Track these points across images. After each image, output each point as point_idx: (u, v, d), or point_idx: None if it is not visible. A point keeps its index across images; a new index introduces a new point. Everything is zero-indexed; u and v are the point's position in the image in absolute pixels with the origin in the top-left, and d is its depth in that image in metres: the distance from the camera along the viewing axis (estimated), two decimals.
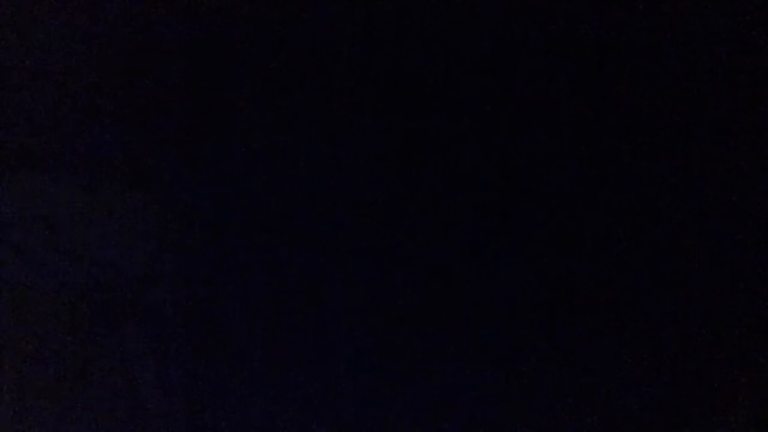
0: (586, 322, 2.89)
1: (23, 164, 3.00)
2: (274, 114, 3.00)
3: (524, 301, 2.91)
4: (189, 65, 3.02)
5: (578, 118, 2.94)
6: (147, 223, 2.98)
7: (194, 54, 3.02)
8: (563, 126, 2.94)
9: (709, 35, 2.90)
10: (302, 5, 3.01)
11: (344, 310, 2.95)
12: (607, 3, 2.93)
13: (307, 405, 2.93)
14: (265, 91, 3.01)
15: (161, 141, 3.01)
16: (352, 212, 2.96)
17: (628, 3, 2.92)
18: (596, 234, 2.91)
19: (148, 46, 3.03)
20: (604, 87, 2.93)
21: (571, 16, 2.94)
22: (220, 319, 2.96)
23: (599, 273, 2.90)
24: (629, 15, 2.93)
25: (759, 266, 2.85)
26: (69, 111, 3.03)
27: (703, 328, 2.86)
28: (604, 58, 2.94)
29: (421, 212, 2.96)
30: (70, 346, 2.96)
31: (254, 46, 3.01)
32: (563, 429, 2.87)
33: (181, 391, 2.94)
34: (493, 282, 2.92)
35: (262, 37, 3.02)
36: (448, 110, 2.97)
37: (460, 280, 2.93)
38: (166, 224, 2.99)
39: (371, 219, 2.96)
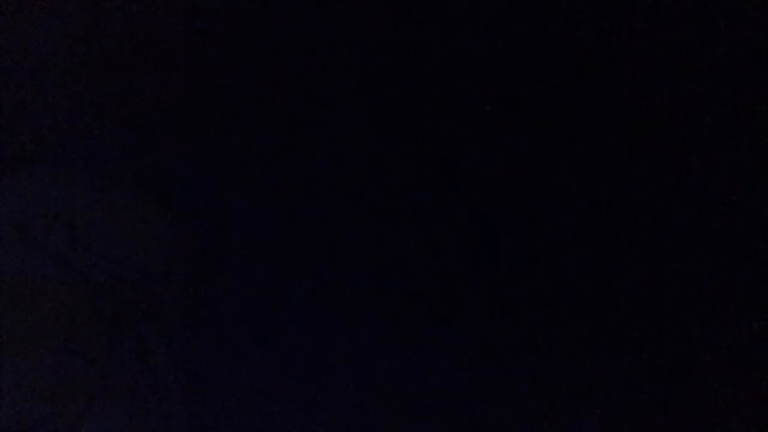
0: (586, 322, 2.89)
1: (40, 163, 3.01)
2: (277, 113, 3.00)
3: (524, 302, 2.92)
4: (190, 65, 3.02)
5: (578, 118, 2.94)
6: (161, 222, 2.99)
7: (195, 54, 3.02)
8: (563, 126, 2.95)
9: (708, 35, 2.91)
10: (303, 5, 3.01)
11: (344, 310, 2.95)
12: (607, 3, 2.94)
13: (307, 405, 2.93)
14: (266, 91, 3.01)
15: (166, 141, 3.01)
16: (353, 213, 2.97)
17: (628, 3, 2.93)
18: (596, 234, 2.92)
19: (148, 46, 3.03)
20: (604, 87, 2.94)
21: (571, 16, 2.95)
22: (222, 319, 2.97)
23: (599, 273, 2.91)
24: (629, 15, 2.93)
25: (759, 266, 2.86)
26: (75, 111, 3.03)
27: (702, 329, 2.87)
28: (604, 58, 2.94)
29: (422, 212, 2.96)
30: (88, 341, 2.96)
31: (255, 46, 3.02)
32: (563, 429, 2.87)
33: (184, 390, 2.94)
34: (493, 282, 2.93)
35: (262, 37, 3.02)
36: (448, 110, 2.98)
37: (460, 280, 2.94)
38: (179, 223, 3.00)
39: (372, 221, 2.97)
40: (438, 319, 2.93)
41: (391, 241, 2.96)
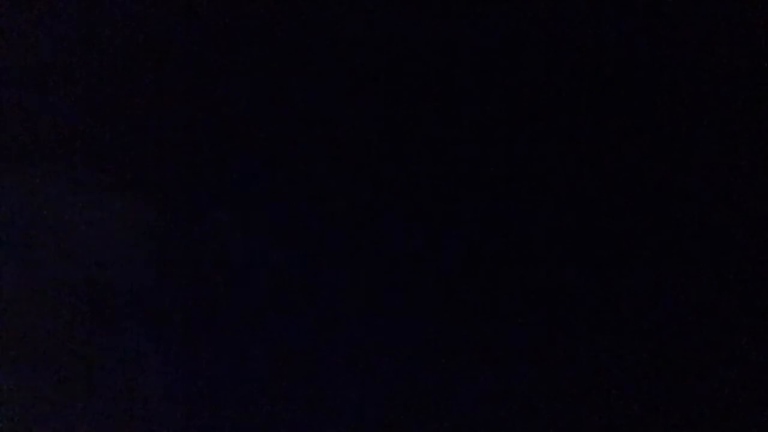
0: (586, 322, 2.89)
1: (26, 167, 3.01)
2: (275, 115, 3.00)
3: (524, 302, 2.92)
4: (189, 66, 3.02)
5: (578, 119, 2.94)
6: (148, 226, 2.99)
7: (194, 54, 3.02)
8: (563, 126, 2.95)
9: (709, 35, 2.91)
10: (303, 5, 3.01)
11: (344, 310, 2.95)
12: (608, 3, 2.94)
13: (307, 405, 2.93)
14: (265, 92, 3.01)
15: (162, 143, 3.01)
16: (352, 214, 2.97)
17: (628, 3, 2.93)
18: (596, 234, 2.92)
19: (148, 46, 3.03)
20: (604, 88, 2.94)
21: (572, 17, 2.95)
22: (220, 320, 2.96)
23: (599, 273, 2.91)
24: (629, 15, 2.93)
25: (759, 266, 2.86)
26: (69, 113, 3.03)
27: (702, 328, 2.87)
28: (603, 59, 2.94)
29: (422, 213, 2.96)
30: (72, 347, 2.96)
31: (254, 46, 3.02)
32: (563, 429, 2.87)
33: (182, 391, 2.94)
34: (493, 282, 2.93)
35: (262, 37, 3.02)
36: (447, 110, 2.98)
37: (460, 280, 2.94)
38: (166, 227, 2.99)
39: (371, 222, 2.96)
40: (438, 319, 2.93)
41: (391, 241, 2.96)
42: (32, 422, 2.94)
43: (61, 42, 3.03)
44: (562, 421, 2.87)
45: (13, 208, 3.00)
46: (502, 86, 2.96)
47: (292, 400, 2.93)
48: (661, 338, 2.87)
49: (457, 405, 2.90)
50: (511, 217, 2.94)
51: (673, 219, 2.90)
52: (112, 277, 2.98)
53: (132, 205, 3.00)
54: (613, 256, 2.91)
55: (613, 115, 2.93)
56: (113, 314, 2.97)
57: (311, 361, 2.93)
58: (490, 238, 2.94)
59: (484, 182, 2.95)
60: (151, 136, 3.02)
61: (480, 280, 2.93)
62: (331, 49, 3.00)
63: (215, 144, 3.00)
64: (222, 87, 3.02)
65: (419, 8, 2.98)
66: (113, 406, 2.94)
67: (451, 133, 2.97)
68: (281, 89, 3.01)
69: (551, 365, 2.89)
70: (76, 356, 2.95)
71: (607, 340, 2.88)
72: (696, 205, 2.89)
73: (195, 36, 3.02)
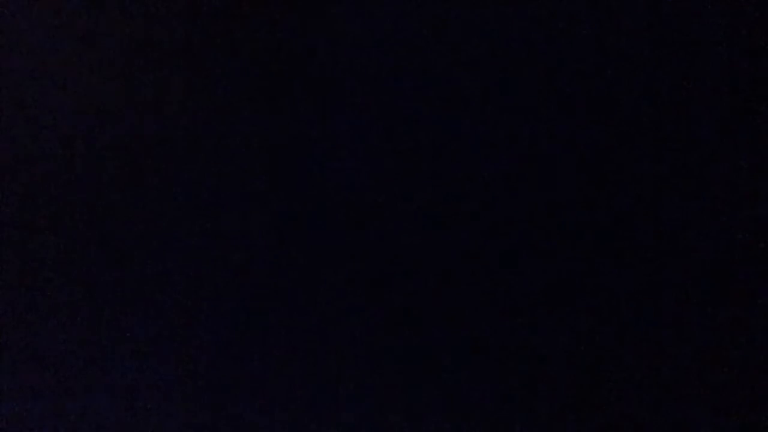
0: (585, 322, 2.89)
1: (26, 162, 3.01)
2: (274, 114, 3.00)
3: (524, 301, 2.92)
4: (189, 65, 3.02)
5: (578, 118, 2.94)
6: (149, 223, 2.99)
7: (194, 54, 3.02)
8: (563, 126, 2.95)
9: (709, 35, 2.91)
10: (303, 6, 3.01)
11: (344, 310, 2.95)
12: (608, 4, 2.94)
13: (307, 405, 2.93)
14: (265, 92, 3.01)
15: (162, 141, 3.01)
16: (351, 212, 2.97)
17: (628, 4, 2.93)
18: (596, 234, 2.92)
19: (148, 45, 3.03)
20: (604, 89, 2.94)
21: (572, 17, 2.95)
22: (222, 319, 2.97)
23: (599, 273, 2.90)
24: (629, 15, 2.93)
25: (759, 266, 2.85)
26: (69, 111, 3.03)
27: (703, 328, 2.86)
28: (603, 59, 2.94)
29: (421, 212, 2.96)
30: (72, 345, 2.96)
31: (254, 46, 3.02)
32: (563, 429, 2.87)
33: (182, 391, 2.94)
34: (492, 282, 2.93)
35: (262, 37, 3.02)
36: (447, 110, 2.97)
37: (460, 280, 2.94)
38: (168, 223, 2.99)
39: (371, 220, 2.96)
40: (438, 319, 2.93)
41: (390, 240, 2.96)
42: (33, 420, 2.94)
43: (61, 42, 3.04)
44: (562, 420, 2.88)
45: (16, 205, 3.00)
46: (502, 85, 2.96)
47: (292, 401, 2.93)
48: (661, 337, 2.87)
49: (456, 405, 2.91)
50: (510, 216, 2.94)
51: (673, 218, 2.90)
52: (115, 276, 2.98)
53: (133, 205, 3.00)
54: (613, 256, 2.91)
55: (613, 115, 2.94)
56: (116, 313, 2.98)
57: (311, 361, 2.94)
58: (489, 237, 2.94)
59: (483, 182, 2.95)
60: (152, 135, 3.02)
61: (479, 280, 2.94)
62: (332, 50, 3.00)
63: (216, 142, 3.01)
64: (223, 86, 3.02)
65: (419, 7, 2.99)
66: (113, 405, 2.94)
67: (450, 131, 2.97)
68: (282, 88, 3.01)
69: (550, 365, 2.89)
70: (77, 355, 2.96)
71: (606, 340, 2.89)
72: (696, 205, 2.89)
73: (195, 36, 3.03)
